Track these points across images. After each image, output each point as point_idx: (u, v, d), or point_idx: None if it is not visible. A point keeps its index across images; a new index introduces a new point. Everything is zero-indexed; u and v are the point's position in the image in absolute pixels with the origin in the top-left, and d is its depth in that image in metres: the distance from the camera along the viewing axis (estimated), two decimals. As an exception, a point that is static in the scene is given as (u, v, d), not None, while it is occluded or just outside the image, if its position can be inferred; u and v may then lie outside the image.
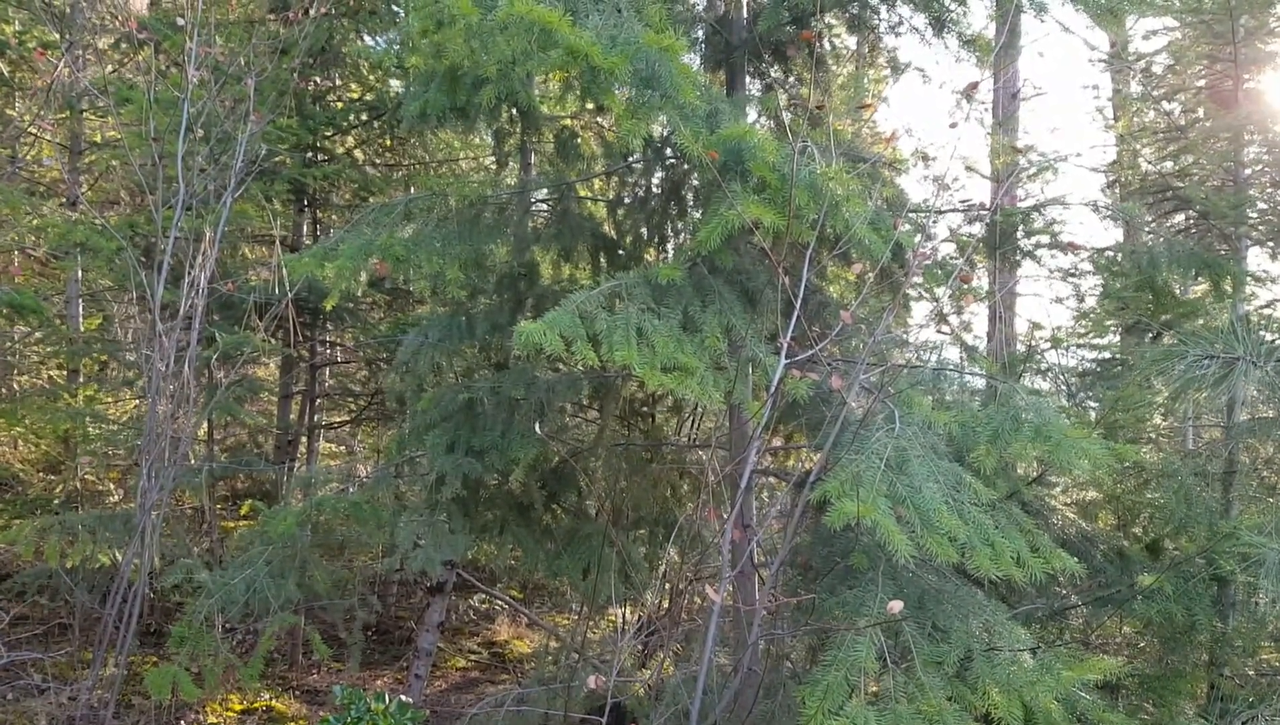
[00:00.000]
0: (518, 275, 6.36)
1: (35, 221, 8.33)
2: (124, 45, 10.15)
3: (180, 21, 8.62)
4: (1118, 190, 8.92)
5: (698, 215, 6.56)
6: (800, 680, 4.52)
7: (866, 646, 3.36)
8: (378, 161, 9.84)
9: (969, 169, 5.56)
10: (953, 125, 3.71)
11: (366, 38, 9.54)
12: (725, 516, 5.17)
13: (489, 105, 6.28)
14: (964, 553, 3.32)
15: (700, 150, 3.92)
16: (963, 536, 3.32)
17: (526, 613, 7.74)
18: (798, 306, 4.00)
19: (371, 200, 9.67)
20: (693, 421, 7.80)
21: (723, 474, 5.30)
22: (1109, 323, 5.55)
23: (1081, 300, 6.51)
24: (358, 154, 9.88)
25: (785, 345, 3.93)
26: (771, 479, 5.66)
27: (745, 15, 5.79)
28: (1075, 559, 3.56)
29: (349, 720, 5.68)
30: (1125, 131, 7.79)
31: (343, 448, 11.74)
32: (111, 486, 9.25)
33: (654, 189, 6.64)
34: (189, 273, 6.32)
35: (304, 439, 9.78)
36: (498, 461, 5.67)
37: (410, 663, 7.90)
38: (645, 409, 7.22)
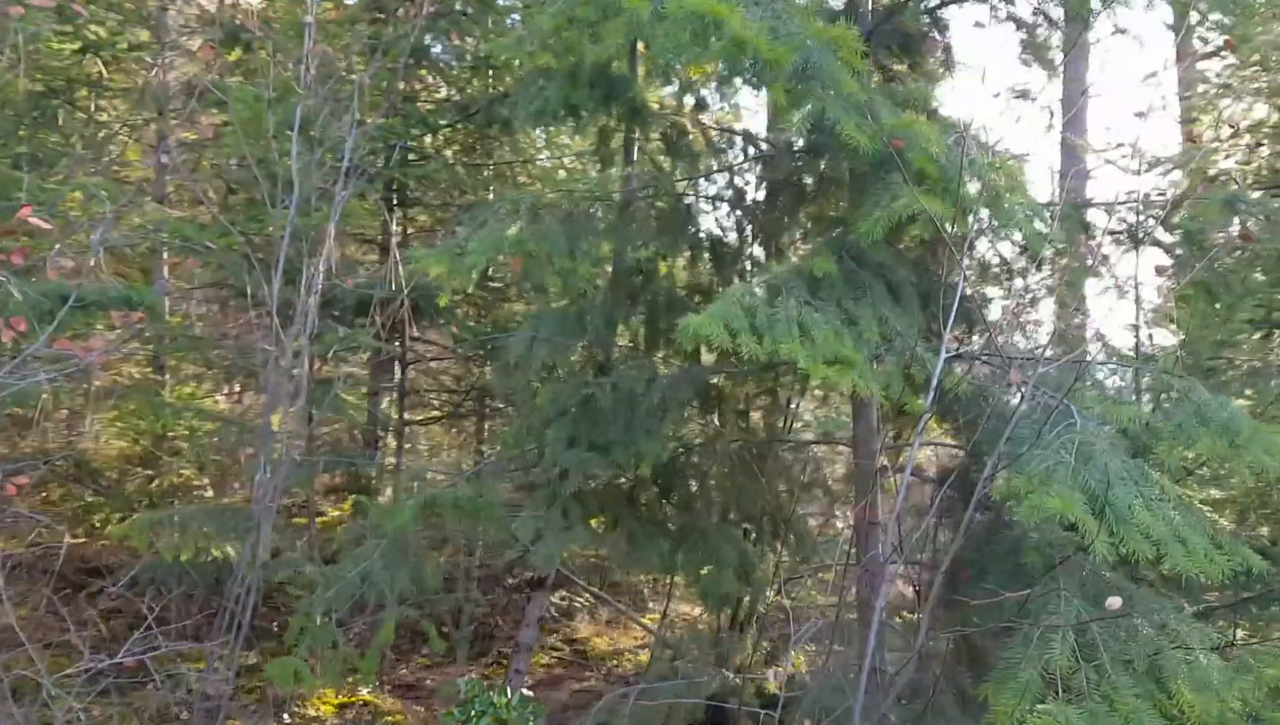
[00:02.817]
0: (633, 271, 6.36)
1: (137, 219, 8.43)
2: (215, 45, 10.24)
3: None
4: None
5: (810, 209, 6.55)
6: (949, 683, 4.48)
7: (1061, 644, 3.31)
8: (466, 161, 9.87)
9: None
10: (1139, 115, 3.65)
11: (454, 38, 9.59)
12: (863, 512, 5.15)
13: (601, 101, 6.35)
14: (1158, 549, 3.27)
15: (867, 141, 3.89)
16: (1157, 533, 3.26)
17: (634, 617, 7.73)
18: (956, 300, 3.96)
19: (465, 199, 9.72)
20: (785, 421, 7.75)
21: (858, 470, 5.27)
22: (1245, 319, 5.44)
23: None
24: (447, 153, 9.92)
25: (945, 339, 3.89)
26: (897, 475, 5.59)
27: (872, 5, 5.75)
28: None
29: (472, 713, 5.71)
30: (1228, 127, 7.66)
31: (430, 444, 11.80)
32: (206, 482, 9.35)
33: (766, 184, 6.62)
34: (306, 270, 6.38)
35: (389, 435, 9.85)
36: (621, 457, 5.66)
37: (510, 658, 7.92)
38: (741, 407, 7.17)
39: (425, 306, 7.74)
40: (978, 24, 6.41)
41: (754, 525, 6.61)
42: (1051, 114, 7.94)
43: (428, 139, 9.66)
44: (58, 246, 4.59)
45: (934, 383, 3.84)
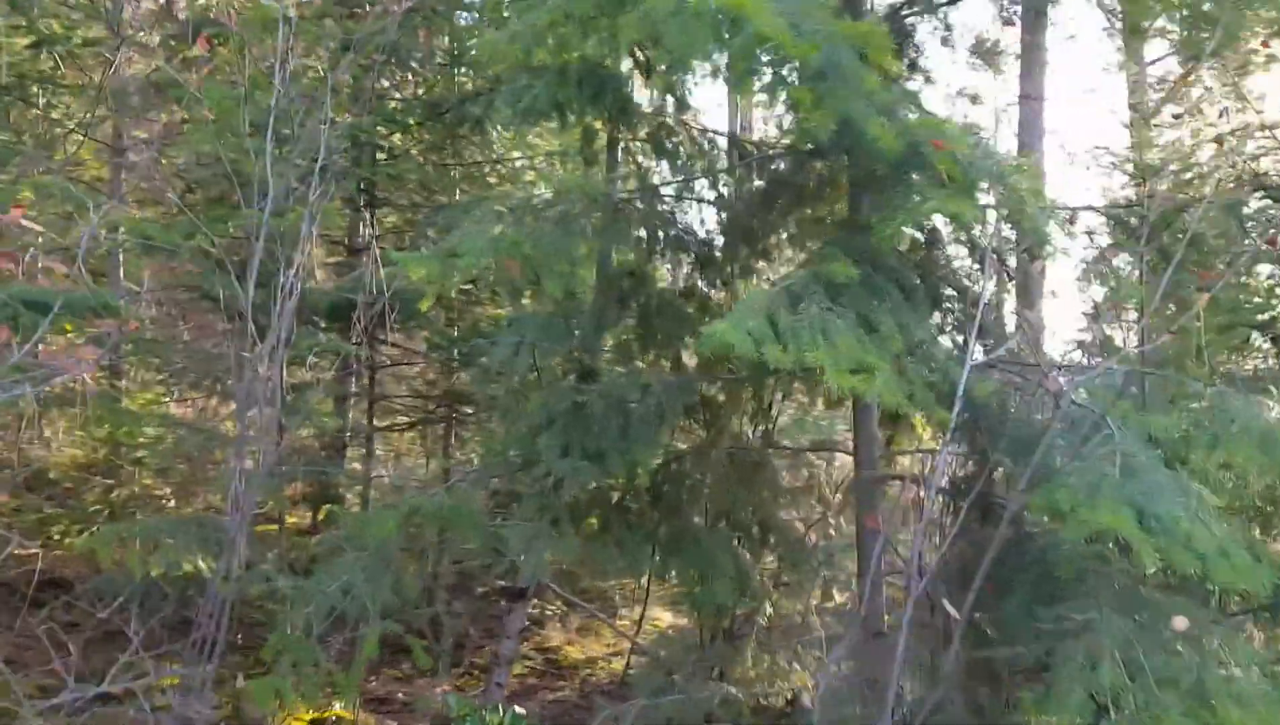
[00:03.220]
0: (624, 275, 6.21)
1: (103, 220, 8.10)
2: (172, 42, 9.94)
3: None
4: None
5: (800, 212, 6.44)
6: (966, 700, 4.37)
7: (1111, 664, 3.21)
8: (435, 160, 9.65)
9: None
10: (1176, 116, 3.57)
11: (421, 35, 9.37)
12: (875, 521, 5.04)
13: (591, 99, 6.19)
14: (1203, 563, 3.18)
15: (894, 141, 3.77)
16: (1202, 547, 3.18)
17: (616, 627, 7.57)
18: (981, 306, 3.86)
19: (435, 200, 9.51)
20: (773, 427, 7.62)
21: (859, 477, 5.16)
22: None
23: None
24: (414, 152, 9.69)
25: (971, 347, 3.79)
26: (898, 483, 5.50)
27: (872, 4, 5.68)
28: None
29: (463, 732, 5.54)
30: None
31: (392, 450, 11.54)
32: (168, 491, 9.03)
33: (754, 187, 6.51)
34: (282, 273, 6.14)
35: (353, 442, 9.60)
36: (616, 465, 5.51)
37: (489, 670, 7.72)
38: (734, 413, 7.05)
39: (403, 310, 7.52)
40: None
41: (744, 533, 6.48)
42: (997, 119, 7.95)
43: (396, 137, 9.44)
44: (31, 249, 4.33)
45: (960, 392, 3.74)
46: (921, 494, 4.72)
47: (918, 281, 4.52)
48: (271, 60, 7.29)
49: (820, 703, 4.65)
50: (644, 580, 9.65)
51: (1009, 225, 3.97)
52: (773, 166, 6.51)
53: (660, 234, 6.49)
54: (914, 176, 3.98)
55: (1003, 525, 3.58)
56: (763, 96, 4.40)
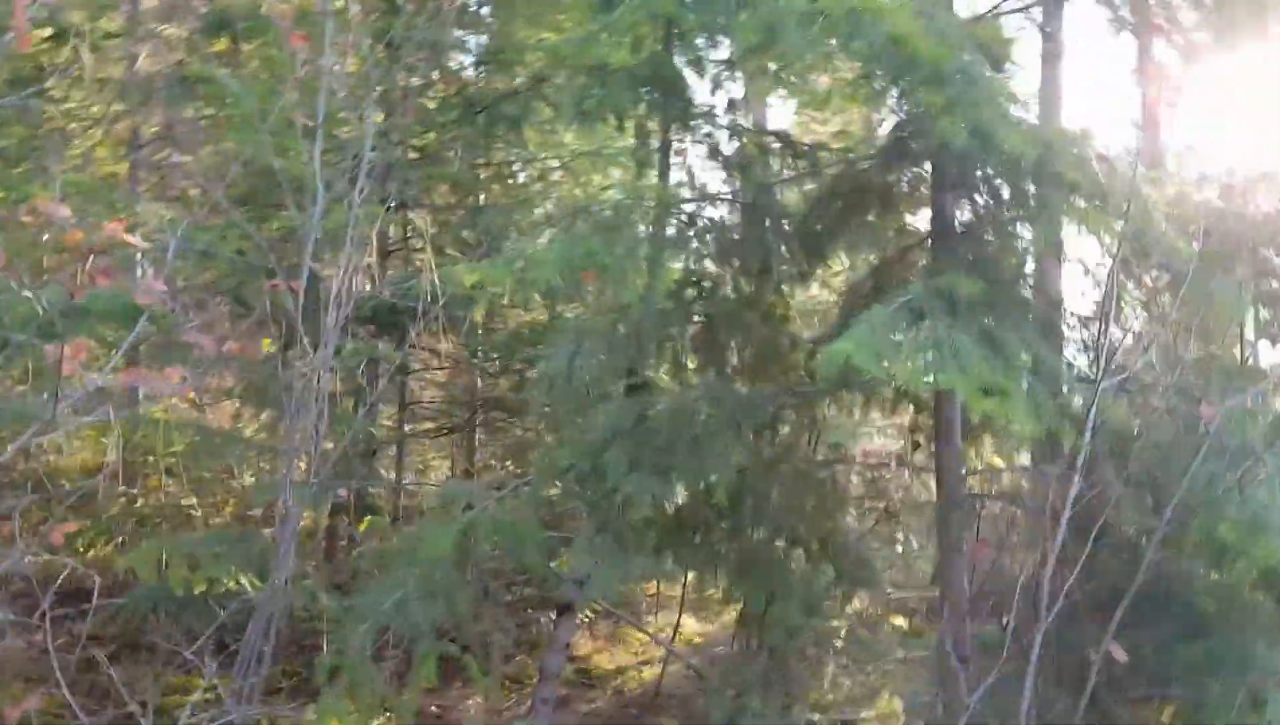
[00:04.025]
0: (690, 283, 6.01)
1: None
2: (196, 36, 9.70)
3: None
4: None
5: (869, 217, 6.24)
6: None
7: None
8: (469, 161, 9.43)
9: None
10: None
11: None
12: (976, 550, 4.85)
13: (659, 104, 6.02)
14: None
15: (1030, 150, 3.59)
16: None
17: (661, 641, 7.36)
18: (1106, 323, 3.68)
19: (469, 201, 9.32)
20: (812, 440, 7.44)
21: (943, 496, 4.98)
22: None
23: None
24: (448, 154, 9.48)
25: (1102, 367, 3.61)
26: (997, 505, 5.34)
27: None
28: None
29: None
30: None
31: (423, 461, 11.32)
32: (195, 502, 8.80)
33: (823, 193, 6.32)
34: (338, 280, 5.93)
35: (385, 449, 9.39)
36: (689, 482, 5.32)
37: (536, 687, 7.51)
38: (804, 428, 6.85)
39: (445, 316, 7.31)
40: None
41: (809, 550, 6.28)
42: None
43: (430, 137, 9.23)
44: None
45: (1092, 414, 3.55)
46: (1019, 516, 4.55)
47: (1029, 297, 4.34)
48: (307, 56, 7.08)
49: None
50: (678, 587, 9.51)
51: (1135, 241, 3.79)
52: (832, 171, 6.31)
53: (720, 241, 6.31)
54: (1034, 188, 3.80)
55: (1148, 556, 3.40)
56: (887, 99, 4.21)
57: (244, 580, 6.49)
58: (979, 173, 4.54)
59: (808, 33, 3.57)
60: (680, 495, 5.89)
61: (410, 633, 5.89)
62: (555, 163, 10.22)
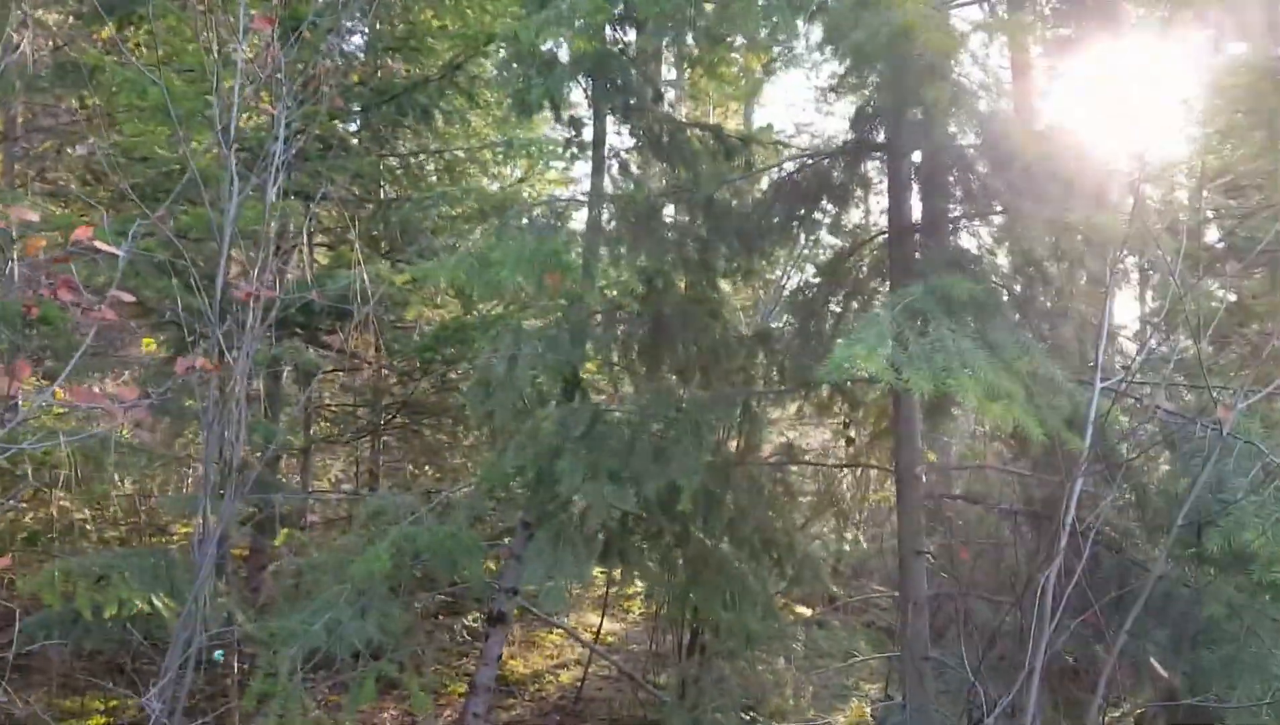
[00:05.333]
0: (644, 281, 5.81)
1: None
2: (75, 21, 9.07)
3: None
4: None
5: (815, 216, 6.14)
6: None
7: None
8: (377, 151, 9.02)
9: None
10: None
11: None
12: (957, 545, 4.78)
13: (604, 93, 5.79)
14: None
15: (1033, 151, 3.51)
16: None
17: (629, 671, 7.14)
18: (1105, 326, 3.63)
19: (380, 194, 8.92)
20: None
21: (901, 497, 4.90)
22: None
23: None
24: (354, 143, 9.04)
25: (1099, 368, 3.56)
26: (966, 503, 5.28)
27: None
28: None
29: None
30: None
31: (327, 464, 10.83)
32: (88, 513, 8.21)
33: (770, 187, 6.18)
34: (253, 276, 5.52)
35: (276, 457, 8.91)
36: (654, 490, 5.11)
37: (468, 699, 7.22)
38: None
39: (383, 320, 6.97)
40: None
41: (761, 554, 6.16)
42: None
43: (335, 126, 8.78)
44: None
45: (1091, 418, 3.50)
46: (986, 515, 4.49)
47: (1012, 296, 4.28)
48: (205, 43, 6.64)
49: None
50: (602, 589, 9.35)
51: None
52: (782, 168, 6.19)
53: (662, 237, 6.12)
54: (1028, 187, 3.72)
55: (1160, 560, 3.35)
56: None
57: (157, 602, 6.05)
58: (955, 171, 4.47)
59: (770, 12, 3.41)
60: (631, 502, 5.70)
61: (344, 653, 5.59)
62: (461, 154, 9.87)
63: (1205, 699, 3.28)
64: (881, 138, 4.97)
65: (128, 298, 3.03)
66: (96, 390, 2.96)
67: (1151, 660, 3.75)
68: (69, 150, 8.82)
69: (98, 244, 2.90)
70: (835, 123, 18.13)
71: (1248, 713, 3.12)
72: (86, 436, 3.29)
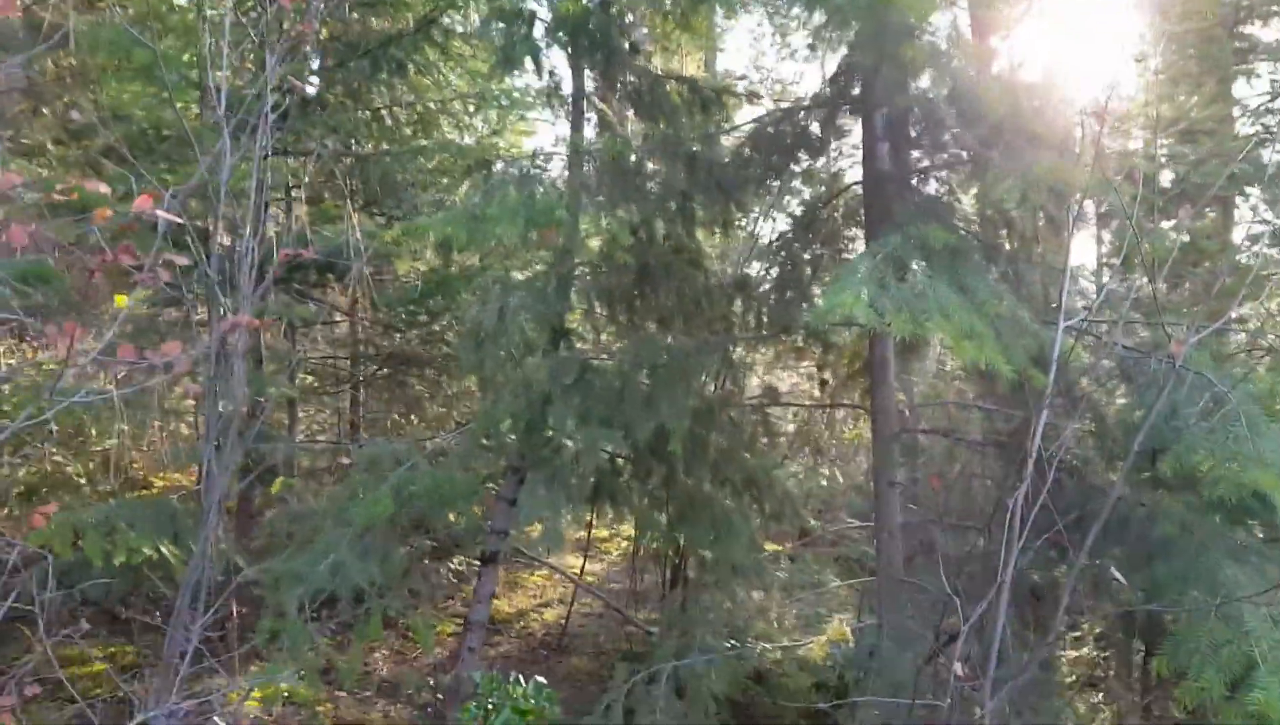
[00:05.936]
0: (629, 233, 6.03)
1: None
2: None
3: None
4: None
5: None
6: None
7: (1261, 622, 3.35)
8: (352, 105, 9.10)
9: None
10: None
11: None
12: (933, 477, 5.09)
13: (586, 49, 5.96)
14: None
15: (1003, 106, 3.75)
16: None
17: (592, 588, 7.44)
18: (1066, 270, 3.91)
19: (357, 149, 9.02)
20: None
21: (876, 432, 5.20)
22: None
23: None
24: (328, 97, 9.11)
25: (1063, 308, 3.84)
26: (937, 436, 5.58)
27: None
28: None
29: (490, 706, 5.40)
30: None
31: (311, 416, 10.98)
32: (80, 468, 8.37)
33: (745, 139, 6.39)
34: (246, 235, 5.68)
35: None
36: (642, 433, 5.38)
37: (463, 636, 7.52)
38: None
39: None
40: None
41: (742, 491, 6.47)
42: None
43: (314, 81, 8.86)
44: None
45: (1055, 355, 3.78)
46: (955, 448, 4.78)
47: (980, 242, 4.55)
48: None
49: (877, 658, 4.71)
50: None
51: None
52: (760, 121, 6.39)
53: (654, 190, 6.33)
54: (1002, 140, 3.97)
55: (1118, 483, 3.66)
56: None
57: (165, 549, 6.26)
58: (927, 124, 4.71)
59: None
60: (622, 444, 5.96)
61: (347, 593, 5.84)
62: (434, 106, 9.95)
63: (1160, 607, 3.64)
64: (857, 92, 5.21)
65: (180, 260, 3.18)
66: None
67: (1112, 571, 4.09)
68: (44, 110, 8.83)
69: (159, 213, 3.05)
70: (796, 66, 18.23)
71: (1199, 618, 3.45)
72: (136, 389, 3.45)
